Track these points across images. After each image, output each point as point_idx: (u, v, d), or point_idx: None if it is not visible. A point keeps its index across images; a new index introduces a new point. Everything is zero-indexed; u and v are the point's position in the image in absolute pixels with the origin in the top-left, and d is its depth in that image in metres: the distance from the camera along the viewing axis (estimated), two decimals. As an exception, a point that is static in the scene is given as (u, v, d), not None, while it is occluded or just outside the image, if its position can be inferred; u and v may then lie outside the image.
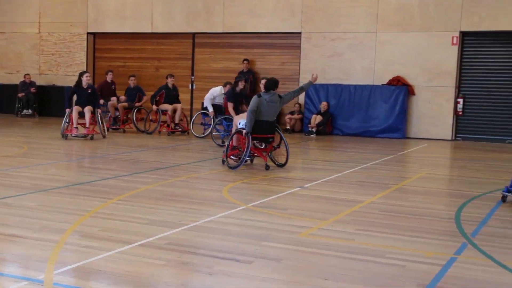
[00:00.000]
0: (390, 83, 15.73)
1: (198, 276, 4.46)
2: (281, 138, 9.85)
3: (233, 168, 9.40)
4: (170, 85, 14.78)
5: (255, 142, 9.73)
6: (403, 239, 5.69)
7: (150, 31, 18.50)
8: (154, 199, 7.08)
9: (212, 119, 13.58)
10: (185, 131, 14.78)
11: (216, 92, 13.88)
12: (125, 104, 15.08)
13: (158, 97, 14.69)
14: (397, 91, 15.50)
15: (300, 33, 16.70)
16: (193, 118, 14.78)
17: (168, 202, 6.91)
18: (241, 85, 12.74)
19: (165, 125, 14.78)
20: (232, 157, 9.75)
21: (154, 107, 14.62)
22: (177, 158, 11.09)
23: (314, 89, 16.16)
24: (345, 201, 7.38)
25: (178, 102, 14.86)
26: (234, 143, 9.83)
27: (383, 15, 15.77)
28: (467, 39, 15.31)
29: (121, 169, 9.23)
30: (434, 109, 15.43)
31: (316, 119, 15.82)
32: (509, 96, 14.99)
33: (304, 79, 16.58)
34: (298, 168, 10.27)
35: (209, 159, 10.74)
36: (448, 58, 15.24)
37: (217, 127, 13.23)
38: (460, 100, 15.30)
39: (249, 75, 16.93)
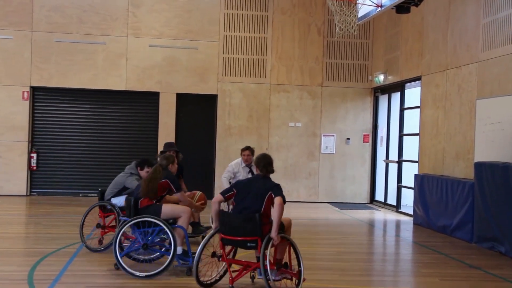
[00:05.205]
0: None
1: None
2: None
3: None
4: None
5: None
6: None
7: None
8: None
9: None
10: None
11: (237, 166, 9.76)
12: None
13: None
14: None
15: None
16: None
17: None
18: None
19: None
20: None
21: None
22: None
23: None
24: None
25: None
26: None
27: None
28: (37, 94, 15.40)
29: None
30: (7, 165, 15.00)
31: None
32: (81, 150, 15.52)
33: None
34: None
35: None
36: (20, 112, 15.05)
37: None
38: (34, 155, 15.22)
39: None
